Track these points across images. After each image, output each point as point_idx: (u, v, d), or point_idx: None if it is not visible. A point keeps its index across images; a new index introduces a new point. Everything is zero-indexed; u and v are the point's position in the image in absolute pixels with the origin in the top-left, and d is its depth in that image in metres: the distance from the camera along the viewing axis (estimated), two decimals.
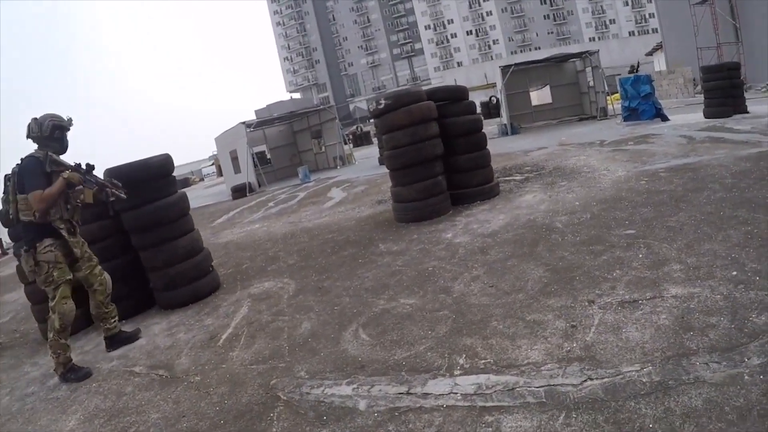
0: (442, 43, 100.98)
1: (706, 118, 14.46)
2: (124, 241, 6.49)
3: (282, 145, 28.38)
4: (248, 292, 6.33)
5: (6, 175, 4.72)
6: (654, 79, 19.65)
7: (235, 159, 24.90)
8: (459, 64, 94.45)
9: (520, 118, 24.18)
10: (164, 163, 6.51)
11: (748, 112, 14.39)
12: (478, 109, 29.21)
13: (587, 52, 22.35)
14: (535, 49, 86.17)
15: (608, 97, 21.54)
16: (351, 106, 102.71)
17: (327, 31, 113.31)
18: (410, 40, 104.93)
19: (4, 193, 4.84)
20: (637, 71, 28.94)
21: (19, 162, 4.64)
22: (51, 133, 4.67)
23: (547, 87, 25.08)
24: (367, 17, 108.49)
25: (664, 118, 15.93)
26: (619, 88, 17.94)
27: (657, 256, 4.58)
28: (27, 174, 4.53)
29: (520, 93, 24.82)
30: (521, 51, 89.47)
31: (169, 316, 6.10)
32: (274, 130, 28.18)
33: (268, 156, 28.26)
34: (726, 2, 25.86)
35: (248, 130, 23.20)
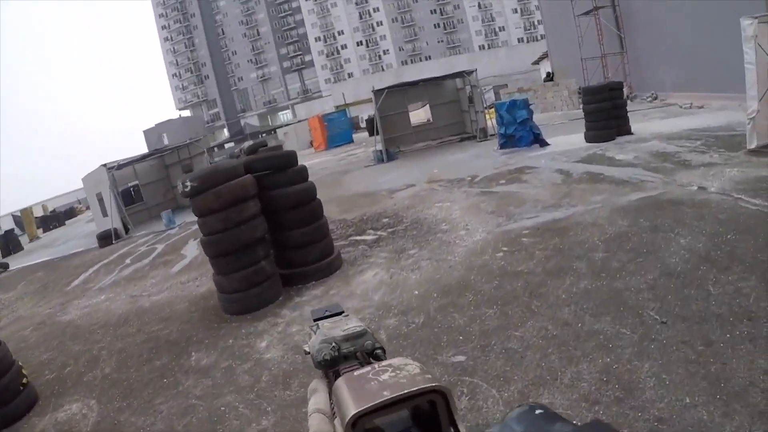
0: (333, 54, 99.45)
1: (587, 142, 13.47)
2: None
3: (154, 181, 26.03)
4: (55, 418, 5.68)
5: None
6: (533, 102, 18.65)
7: (101, 201, 23.02)
8: (350, 75, 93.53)
9: (399, 140, 22.96)
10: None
11: (632, 134, 13.49)
12: (362, 124, 27.59)
13: (464, 71, 21.30)
14: (426, 58, 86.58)
15: (488, 115, 20.36)
16: (242, 122, 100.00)
17: (216, 46, 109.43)
18: (300, 52, 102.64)
19: None
20: (552, 78, 27.91)
21: None
22: None
23: (427, 106, 23.79)
24: (257, 30, 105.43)
25: (543, 144, 14.86)
26: (495, 111, 16.60)
27: (479, 412, 3.63)
28: None
29: (399, 113, 23.41)
30: (412, 61, 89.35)
31: None
32: (145, 164, 25.83)
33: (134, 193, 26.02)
34: (611, 12, 25.34)
35: (110, 173, 21.24)
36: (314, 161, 28.06)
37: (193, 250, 13.47)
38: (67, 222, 41.52)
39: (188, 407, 5.09)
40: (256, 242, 7.11)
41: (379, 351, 1.19)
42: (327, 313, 1.37)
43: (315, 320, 1.35)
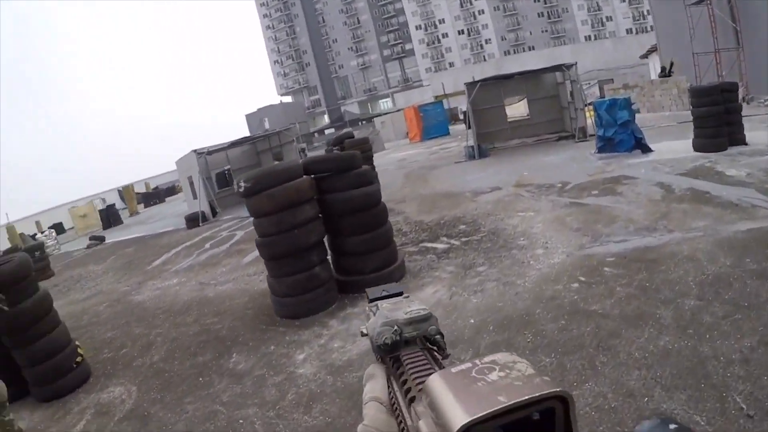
0: (433, 43, 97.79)
1: (695, 150, 11.93)
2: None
3: (245, 167, 26.40)
4: (98, 398, 6.12)
5: None
6: (635, 102, 17.11)
7: (191, 184, 24.12)
8: (451, 64, 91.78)
9: (494, 135, 21.97)
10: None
11: (746, 144, 11.80)
12: (461, 116, 26.37)
13: (563, 65, 19.86)
14: (529, 48, 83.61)
15: (588, 113, 18.95)
16: (342, 109, 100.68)
17: (317, 34, 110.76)
18: (401, 41, 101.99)
19: None
20: (670, 72, 25.29)
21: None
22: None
23: (525, 101, 22.63)
24: (357, 18, 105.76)
25: (646, 150, 13.40)
26: (594, 111, 15.26)
27: None
28: None
29: (495, 108, 22.37)
30: (514, 51, 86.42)
31: None
32: (237, 150, 26.54)
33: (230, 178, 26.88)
34: (725, 2, 22.92)
35: (200, 159, 22.14)
36: (406, 153, 27.60)
37: None
38: (167, 199, 43.64)
39: (211, 413, 5.12)
40: (311, 247, 6.79)
41: (438, 337, 1.04)
42: (384, 293, 1.22)
43: (371, 300, 1.20)
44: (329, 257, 7.42)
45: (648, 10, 65.08)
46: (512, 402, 0.64)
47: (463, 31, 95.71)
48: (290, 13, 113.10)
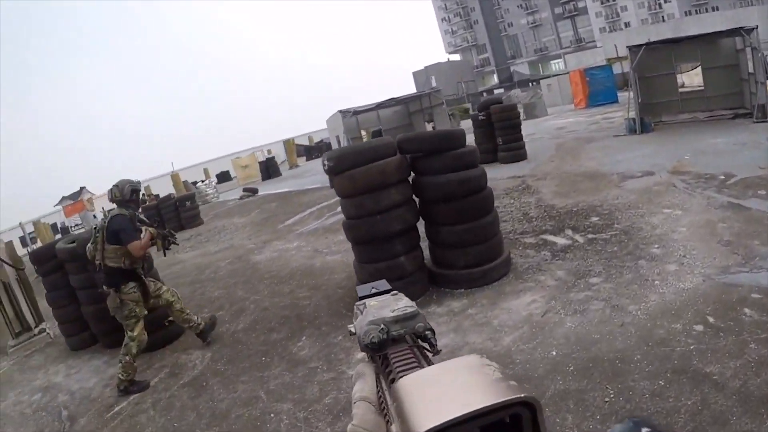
0: (608, 1, 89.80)
1: None
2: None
3: (397, 126, 26.17)
4: (177, 359, 6.57)
5: (95, 228, 5.75)
6: None
7: (339, 144, 24.24)
8: (626, 24, 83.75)
9: (661, 108, 19.41)
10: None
11: None
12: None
13: (742, 28, 16.78)
14: (713, 9, 74.67)
15: None
16: (511, 69, 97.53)
17: None
18: None
19: (92, 243, 5.71)
20: None
21: (108, 219, 5.63)
22: (130, 196, 5.81)
23: (699, 69, 19.93)
24: None
25: None
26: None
27: None
28: (122, 229, 5.52)
29: (665, 75, 19.77)
30: (697, 11, 76.63)
31: None
32: (389, 110, 26.15)
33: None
34: None
35: (345, 118, 22.22)
36: (567, 121, 25.81)
37: None
38: None
39: (253, 398, 5.11)
40: (395, 235, 6.20)
41: (428, 333, 1.12)
42: (373, 291, 1.29)
43: (361, 298, 1.27)
44: (425, 245, 6.83)
45: None
46: (474, 410, 0.63)
47: None
48: None
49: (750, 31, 16.33)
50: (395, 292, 1.26)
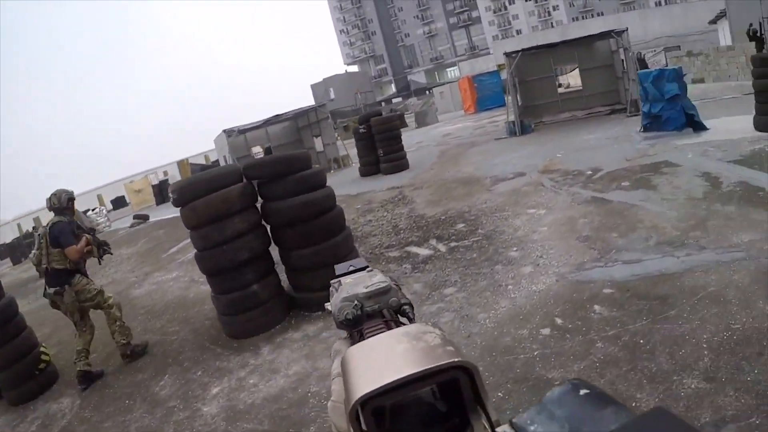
0: (500, 10, 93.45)
1: (757, 130, 9.69)
2: None
3: (287, 143, 25.59)
4: (48, 409, 6.04)
5: (38, 234, 6.16)
6: (686, 72, 14.80)
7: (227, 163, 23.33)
8: (518, 32, 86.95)
9: (543, 109, 20.10)
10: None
11: None
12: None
13: (613, 31, 17.73)
14: (598, 14, 78.85)
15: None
16: (408, 78, 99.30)
17: (382, 2, 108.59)
18: (467, 8, 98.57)
19: (37, 249, 6.05)
20: (762, 35, 21.27)
21: (50, 225, 6.05)
22: (66, 204, 6.21)
23: (576, 70, 20.57)
24: None
25: (699, 127, 11.26)
26: (639, 83, 13.10)
27: None
28: (62, 233, 5.94)
29: (545, 78, 20.44)
30: (583, 17, 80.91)
31: None
32: (278, 127, 25.60)
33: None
34: None
35: (229, 138, 21.50)
36: (455, 127, 26.26)
37: None
38: None
39: None
40: (244, 264, 5.96)
41: (406, 307, 1.11)
42: (351, 269, 1.27)
43: (337, 276, 1.26)
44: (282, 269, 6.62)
45: None
46: (408, 374, 0.65)
47: None
48: None
49: (620, 33, 17.14)
50: (371, 268, 1.25)
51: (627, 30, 17.08)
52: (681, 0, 74.98)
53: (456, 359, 0.66)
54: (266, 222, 6.30)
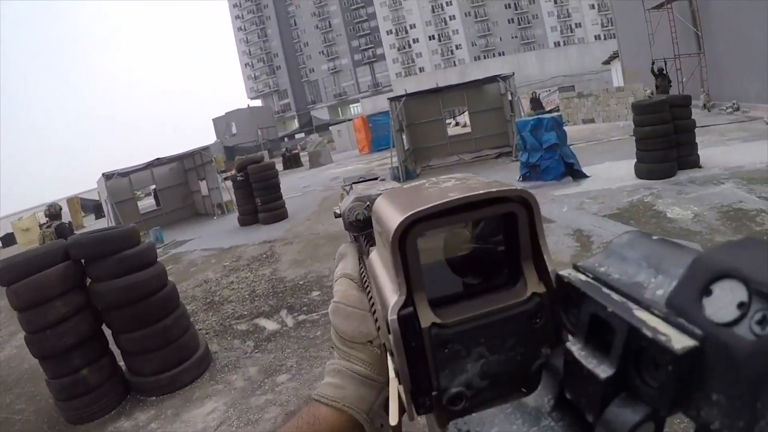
0: (404, 48, 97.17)
1: (638, 177, 10.11)
2: None
3: (173, 185, 24.55)
4: None
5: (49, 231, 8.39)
6: (567, 121, 15.22)
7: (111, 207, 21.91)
8: (421, 69, 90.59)
9: (433, 152, 20.39)
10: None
11: (700, 166, 10.03)
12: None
13: (499, 75, 18.25)
14: (499, 54, 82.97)
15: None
16: (311, 114, 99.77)
17: (288, 36, 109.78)
18: (372, 45, 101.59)
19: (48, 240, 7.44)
20: (664, 73, 21.90)
21: (57, 225, 8.74)
22: (58, 212, 9.21)
23: (466, 114, 20.89)
24: (329, 22, 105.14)
25: (578, 176, 11.53)
26: (517, 132, 13.22)
27: None
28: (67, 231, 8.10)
29: (434, 121, 20.76)
30: (485, 56, 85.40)
31: None
32: (165, 168, 24.39)
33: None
34: (687, 6, 21.49)
35: (107, 181, 20.09)
36: (344, 169, 26.21)
37: None
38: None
39: None
40: (71, 349, 5.57)
41: None
42: (361, 179, 1.18)
43: (347, 183, 1.17)
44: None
45: None
46: (461, 196, 0.56)
47: (434, 36, 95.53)
48: (262, 15, 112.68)
49: (506, 78, 17.61)
50: (383, 178, 1.15)
51: (513, 75, 17.58)
52: (578, 41, 79.94)
53: (516, 188, 0.53)
54: (95, 303, 5.86)
